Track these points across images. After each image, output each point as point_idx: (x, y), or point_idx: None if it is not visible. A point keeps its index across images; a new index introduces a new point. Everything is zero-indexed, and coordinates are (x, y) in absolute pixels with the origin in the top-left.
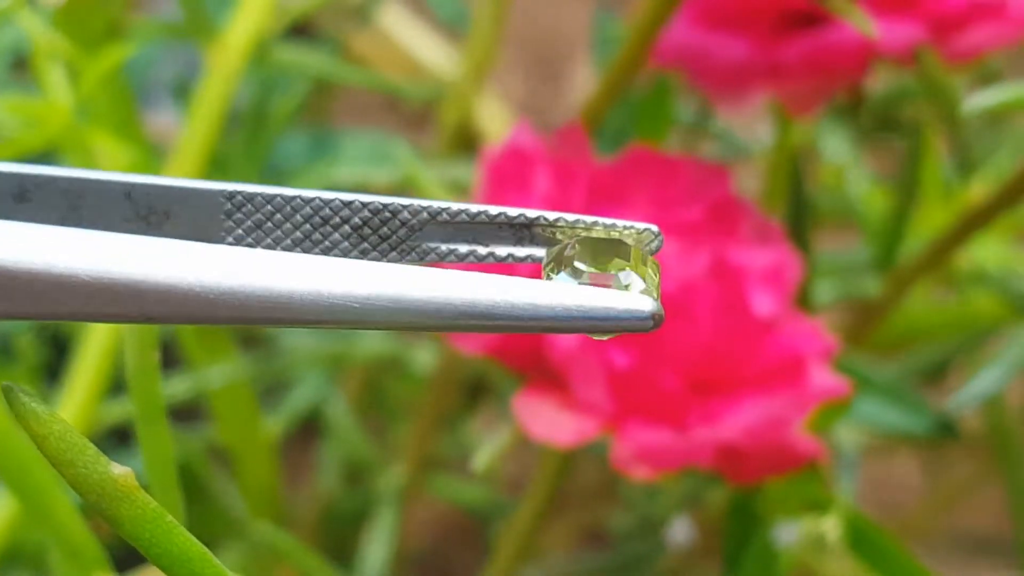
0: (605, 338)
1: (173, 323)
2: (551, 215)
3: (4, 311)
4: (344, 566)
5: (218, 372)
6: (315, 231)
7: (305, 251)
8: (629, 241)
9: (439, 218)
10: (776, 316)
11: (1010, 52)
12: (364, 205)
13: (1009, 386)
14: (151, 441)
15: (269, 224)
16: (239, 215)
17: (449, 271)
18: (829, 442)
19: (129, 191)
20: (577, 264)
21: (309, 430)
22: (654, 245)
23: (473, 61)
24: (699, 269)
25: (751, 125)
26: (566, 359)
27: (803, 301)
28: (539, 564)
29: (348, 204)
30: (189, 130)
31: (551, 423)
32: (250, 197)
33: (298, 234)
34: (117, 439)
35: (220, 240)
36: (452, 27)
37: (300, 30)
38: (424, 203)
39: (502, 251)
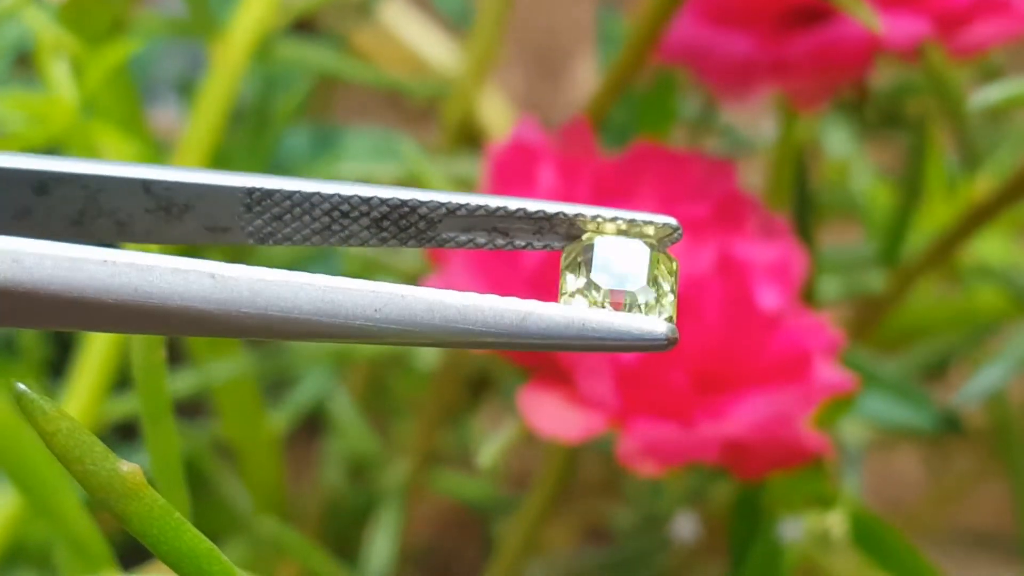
0: None
1: (192, 336)
2: (571, 210)
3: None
4: (348, 561)
5: (222, 368)
6: (334, 223)
7: (324, 241)
8: (648, 234)
9: (458, 213)
10: (781, 311)
11: (1014, 48)
12: (383, 201)
13: (1012, 381)
14: (157, 437)
15: (288, 216)
16: (258, 208)
17: (471, 294)
18: (834, 437)
19: (148, 186)
20: (594, 279)
21: (313, 426)
22: (674, 238)
23: (476, 57)
24: (705, 265)
25: (755, 121)
26: (572, 355)
27: (808, 296)
28: (543, 560)
29: (367, 200)
30: (193, 126)
31: (557, 418)
32: (269, 193)
33: (317, 225)
34: (121, 435)
35: (241, 230)
36: (455, 23)
37: (303, 26)
38: (443, 199)
39: (521, 240)
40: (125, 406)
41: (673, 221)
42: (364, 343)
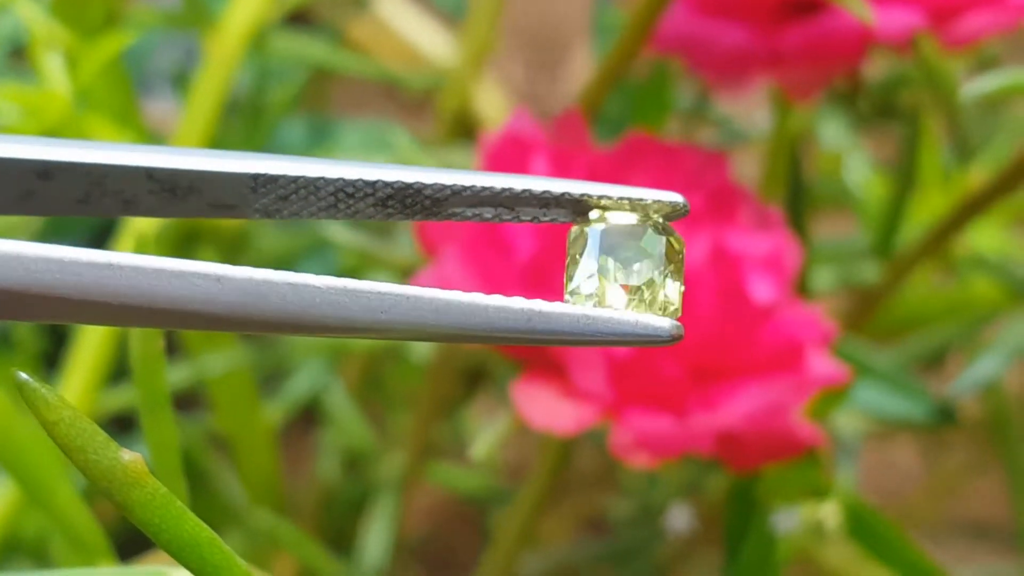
0: None
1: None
2: (577, 190)
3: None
4: (344, 554)
5: (218, 360)
6: (339, 202)
7: (331, 217)
8: (654, 212)
9: (463, 194)
10: (775, 302)
11: (1008, 38)
12: (388, 184)
13: (1008, 372)
14: (156, 428)
15: (294, 196)
16: (263, 190)
17: (477, 295)
18: (828, 429)
19: (151, 173)
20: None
21: (309, 418)
22: (679, 214)
23: (471, 49)
24: (698, 256)
25: (750, 111)
26: (566, 348)
27: (802, 287)
28: (539, 551)
29: (372, 184)
30: (187, 118)
31: (550, 411)
32: (273, 179)
33: (323, 204)
34: (117, 427)
35: (247, 207)
36: (450, 14)
37: (298, 18)
38: (448, 181)
39: (527, 216)
40: (120, 398)
41: (679, 198)
42: (388, 339)
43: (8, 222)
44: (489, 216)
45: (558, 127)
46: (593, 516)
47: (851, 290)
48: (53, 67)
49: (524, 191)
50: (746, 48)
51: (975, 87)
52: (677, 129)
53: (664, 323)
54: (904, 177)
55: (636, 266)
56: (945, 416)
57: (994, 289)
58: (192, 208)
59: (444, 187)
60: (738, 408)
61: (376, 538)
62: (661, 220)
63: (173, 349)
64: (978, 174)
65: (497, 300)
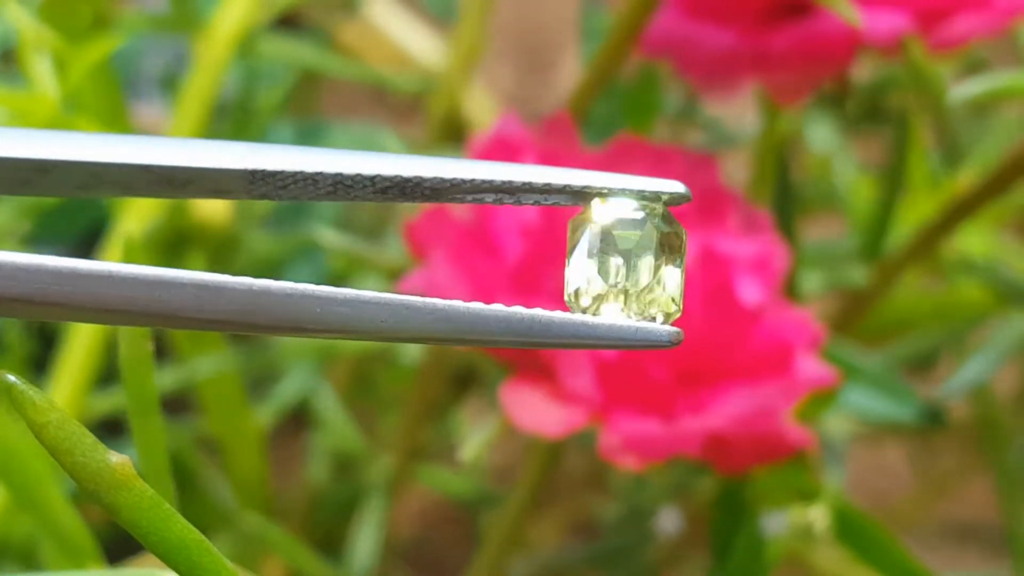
0: None
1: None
2: (578, 181)
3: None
4: (333, 557)
5: (207, 363)
6: (338, 191)
7: (331, 201)
8: (656, 202)
9: (463, 187)
10: (764, 305)
11: (995, 41)
12: (387, 178)
13: (996, 375)
14: (144, 432)
15: (292, 186)
16: (261, 182)
17: (477, 304)
18: (817, 431)
19: (148, 169)
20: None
21: (298, 421)
22: (682, 202)
23: (461, 52)
24: (687, 259)
25: (738, 114)
26: (555, 351)
27: (790, 290)
28: (527, 554)
29: (371, 179)
30: (176, 121)
31: (539, 413)
32: (271, 174)
33: (321, 192)
34: (105, 431)
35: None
36: (440, 18)
37: (287, 21)
38: (448, 174)
39: (528, 201)
40: (109, 402)
41: (681, 187)
42: (384, 341)
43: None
44: (490, 200)
45: (547, 130)
46: (582, 519)
47: (840, 293)
48: (42, 70)
49: (525, 184)
50: (734, 51)
51: (963, 91)
52: (665, 132)
53: (663, 330)
54: (892, 180)
55: (636, 260)
56: (934, 419)
57: (983, 292)
58: (191, 194)
59: (444, 180)
60: (727, 411)
61: (365, 541)
62: (663, 209)
63: (162, 352)
64: (966, 177)
65: (496, 309)
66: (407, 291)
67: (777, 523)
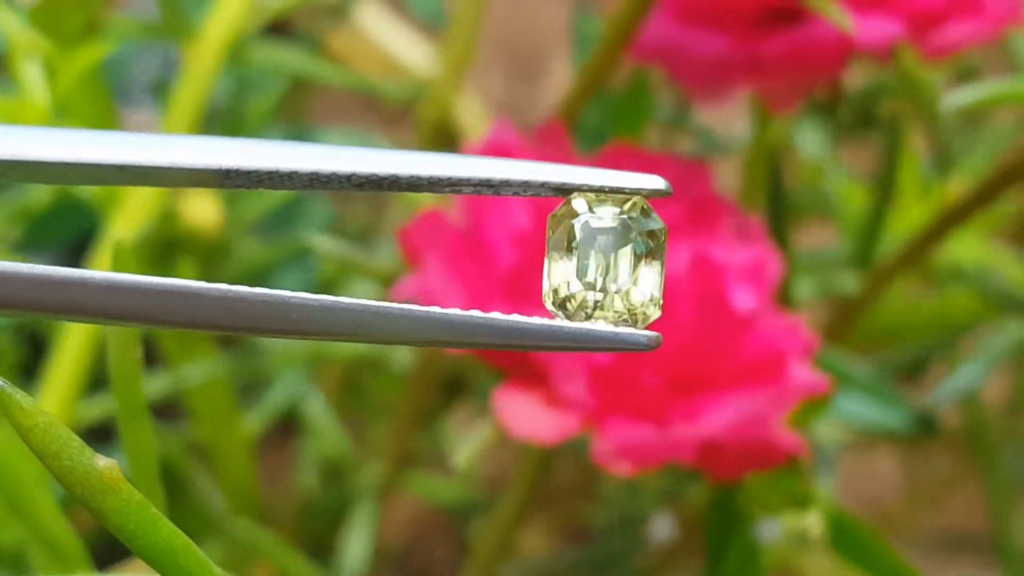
0: None
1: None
2: (556, 179)
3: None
4: (323, 563)
5: (196, 370)
6: (314, 184)
7: (307, 191)
8: (635, 197)
9: (442, 183)
10: (756, 312)
11: (988, 49)
12: (363, 176)
13: (987, 382)
14: (133, 438)
15: (268, 181)
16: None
17: (455, 311)
18: (809, 438)
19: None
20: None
21: (287, 428)
22: (662, 196)
23: (452, 59)
24: (680, 266)
25: (730, 121)
26: (547, 356)
27: (783, 297)
28: (518, 561)
29: (348, 177)
30: (167, 128)
31: (532, 420)
32: (245, 173)
33: (297, 185)
34: (95, 438)
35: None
36: (430, 25)
37: (277, 28)
38: (425, 173)
39: (507, 193)
40: (98, 408)
41: (661, 183)
42: (375, 343)
43: None
44: (469, 191)
45: (539, 137)
46: (574, 526)
47: (831, 300)
48: (32, 76)
49: (503, 181)
50: (726, 57)
51: (956, 98)
52: (656, 139)
53: (642, 334)
54: (884, 187)
55: (615, 257)
56: (925, 426)
57: (974, 300)
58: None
59: (421, 180)
60: (720, 417)
61: (355, 548)
62: (643, 204)
63: (152, 358)
64: (958, 185)
65: (474, 315)
66: (400, 297)
67: (771, 530)
